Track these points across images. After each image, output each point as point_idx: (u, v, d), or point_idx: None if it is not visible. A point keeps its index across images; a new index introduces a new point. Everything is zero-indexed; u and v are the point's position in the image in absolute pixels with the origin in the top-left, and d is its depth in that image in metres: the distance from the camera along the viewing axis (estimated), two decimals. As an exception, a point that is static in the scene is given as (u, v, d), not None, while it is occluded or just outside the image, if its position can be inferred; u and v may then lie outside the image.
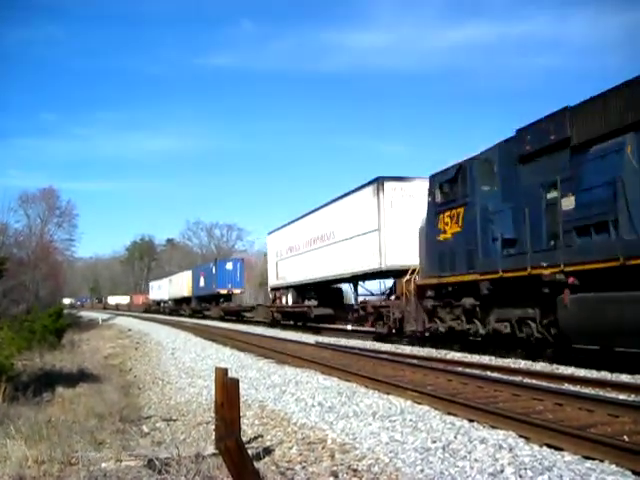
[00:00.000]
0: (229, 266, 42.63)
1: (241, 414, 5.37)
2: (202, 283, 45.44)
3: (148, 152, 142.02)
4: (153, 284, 68.94)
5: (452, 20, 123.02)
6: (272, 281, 29.83)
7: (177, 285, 53.78)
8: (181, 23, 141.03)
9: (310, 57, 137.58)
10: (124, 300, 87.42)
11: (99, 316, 51.01)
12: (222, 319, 38.61)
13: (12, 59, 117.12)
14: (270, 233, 31.08)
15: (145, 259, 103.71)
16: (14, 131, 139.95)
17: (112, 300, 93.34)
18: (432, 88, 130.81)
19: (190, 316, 46.71)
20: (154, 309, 64.88)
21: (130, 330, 30.10)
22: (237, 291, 42.78)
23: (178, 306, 54.29)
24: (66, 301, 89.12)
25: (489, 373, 9.07)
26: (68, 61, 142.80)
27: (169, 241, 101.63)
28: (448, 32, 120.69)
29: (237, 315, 39.39)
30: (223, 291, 41.70)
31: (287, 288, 27.16)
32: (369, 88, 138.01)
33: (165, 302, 60.63)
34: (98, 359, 16.60)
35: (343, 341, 17.40)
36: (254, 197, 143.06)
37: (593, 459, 4.30)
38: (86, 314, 55.52)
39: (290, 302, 26.80)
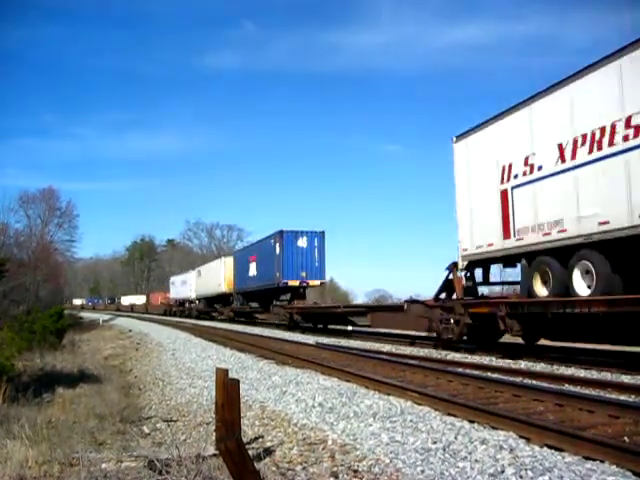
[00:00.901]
0: (302, 242, 26.75)
1: (242, 415, 5.35)
2: (253, 272, 30.82)
3: (148, 152, 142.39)
4: (175, 279, 54.56)
5: (452, 20, 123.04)
6: (479, 243, 13.20)
7: (210, 278, 39.49)
8: (182, 24, 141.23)
9: (310, 57, 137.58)
10: (139, 300, 78.20)
11: (100, 317, 51.00)
12: (293, 328, 24.20)
13: (12, 59, 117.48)
14: (461, 136, 14.11)
15: (145, 260, 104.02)
16: (14, 131, 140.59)
17: (126, 300, 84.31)
18: (432, 88, 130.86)
19: (231, 321, 33.08)
20: (176, 311, 50.79)
21: (131, 331, 30.11)
22: (316, 282, 27.30)
23: (211, 307, 40.28)
24: (77, 302, 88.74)
25: (489, 374, 9.06)
26: (68, 61, 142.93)
27: (169, 241, 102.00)
28: (448, 32, 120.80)
29: (337, 321, 22.19)
30: (293, 282, 26.42)
31: (551, 253, 10.90)
32: (369, 88, 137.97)
33: (192, 302, 46.35)
34: (98, 360, 16.63)
35: (343, 342, 17.39)
36: (254, 197, 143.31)
37: (594, 460, 4.30)
38: (87, 315, 55.53)
39: (582, 290, 10.09)
